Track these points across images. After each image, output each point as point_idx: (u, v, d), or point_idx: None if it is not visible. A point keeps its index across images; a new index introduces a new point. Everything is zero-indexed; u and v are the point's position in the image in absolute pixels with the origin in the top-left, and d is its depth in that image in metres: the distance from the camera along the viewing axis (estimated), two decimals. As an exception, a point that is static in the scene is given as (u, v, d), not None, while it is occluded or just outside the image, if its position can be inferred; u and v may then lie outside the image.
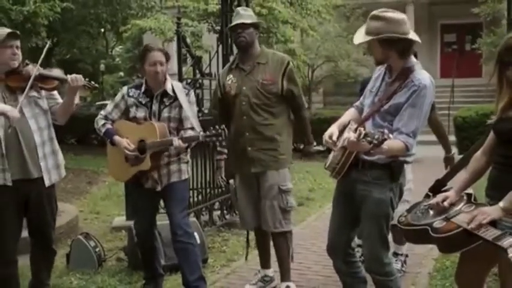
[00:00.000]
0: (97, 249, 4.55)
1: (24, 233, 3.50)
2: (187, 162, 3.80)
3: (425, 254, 4.63)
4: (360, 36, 2.78)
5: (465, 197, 2.60)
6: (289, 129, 3.86)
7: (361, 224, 2.95)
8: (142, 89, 3.69)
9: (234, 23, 3.76)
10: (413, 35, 2.75)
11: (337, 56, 16.58)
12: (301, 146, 9.01)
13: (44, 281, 3.63)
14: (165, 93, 3.66)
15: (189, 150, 3.79)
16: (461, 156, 3.11)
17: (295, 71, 4.40)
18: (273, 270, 4.06)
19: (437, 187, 2.85)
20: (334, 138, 2.85)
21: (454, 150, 4.33)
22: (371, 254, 2.92)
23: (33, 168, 3.33)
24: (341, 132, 2.88)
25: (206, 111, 5.26)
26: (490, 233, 2.23)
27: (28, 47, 10.07)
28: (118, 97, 3.78)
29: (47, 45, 3.88)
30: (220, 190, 5.67)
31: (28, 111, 3.34)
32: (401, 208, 3.05)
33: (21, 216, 3.43)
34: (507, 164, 2.44)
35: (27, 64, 3.40)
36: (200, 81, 5.57)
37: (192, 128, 3.60)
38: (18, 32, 3.40)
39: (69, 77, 3.35)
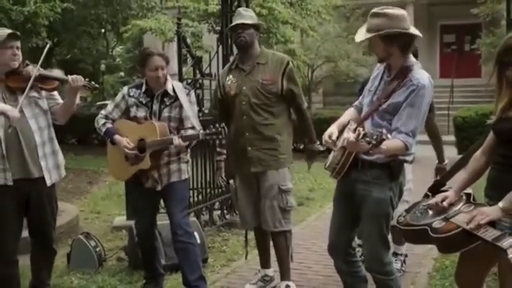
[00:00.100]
0: (97, 249, 4.56)
1: (25, 233, 3.51)
2: (187, 162, 3.81)
3: (424, 253, 4.63)
4: (361, 34, 2.79)
5: (464, 197, 2.60)
6: (289, 129, 3.87)
7: (362, 223, 2.95)
8: (143, 88, 3.70)
9: (234, 23, 3.77)
10: (414, 30, 2.76)
11: (337, 56, 16.60)
12: (301, 146, 9.07)
13: (45, 280, 3.64)
14: (165, 93, 3.67)
15: (189, 150, 3.80)
16: (460, 156, 3.11)
17: (295, 71, 4.41)
18: (273, 270, 4.07)
19: (437, 187, 2.86)
20: (334, 138, 2.86)
21: (454, 150, 4.33)
22: (371, 253, 2.92)
23: (34, 167, 3.34)
24: (341, 132, 2.89)
25: (206, 111, 5.26)
26: (490, 234, 2.23)
27: (28, 47, 10.08)
28: (119, 97, 3.79)
29: (47, 46, 3.89)
30: (220, 190, 5.67)
31: (28, 111, 3.35)
32: (401, 208, 3.05)
33: (21, 216, 3.44)
34: (507, 164, 2.44)
35: (27, 65, 3.41)
36: (200, 81, 5.58)
37: (193, 128, 3.61)
38: (18, 32, 3.41)
39: (69, 77, 3.36)
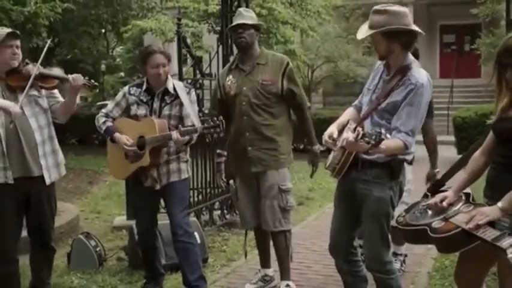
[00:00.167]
0: (98, 249, 4.56)
1: (25, 233, 3.52)
2: (187, 161, 3.81)
3: (424, 253, 4.64)
4: (363, 31, 2.80)
5: (463, 197, 2.61)
6: (289, 130, 3.87)
7: (362, 223, 2.96)
8: (144, 87, 3.71)
9: (235, 23, 3.78)
10: (415, 27, 2.77)
11: (337, 56, 16.61)
12: (301, 146, 9.08)
13: (45, 280, 3.65)
14: (166, 91, 3.67)
15: (188, 149, 3.80)
16: (460, 156, 3.12)
17: (295, 71, 4.41)
18: (273, 270, 4.07)
19: (436, 187, 2.86)
20: (334, 137, 2.86)
21: (454, 150, 4.33)
22: (372, 252, 2.93)
23: (34, 166, 3.35)
24: (340, 131, 2.89)
25: (206, 111, 5.27)
26: (489, 234, 2.23)
27: (29, 47, 10.07)
28: (119, 95, 3.80)
29: (47, 44, 3.89)
30: (220, 190, 5.67)
31: (28, 110, 3.36)
32: (400, 209, 3.05)
33: (21, 215, 3.44)
34: (506, 164, 2.44)
35: (27, 63, 3.42)
36: (200, 81, 5.59)
37: (193, 126, 3.61)
38: (18, 31, 3.42)
39: (70, 76, 3.37)
